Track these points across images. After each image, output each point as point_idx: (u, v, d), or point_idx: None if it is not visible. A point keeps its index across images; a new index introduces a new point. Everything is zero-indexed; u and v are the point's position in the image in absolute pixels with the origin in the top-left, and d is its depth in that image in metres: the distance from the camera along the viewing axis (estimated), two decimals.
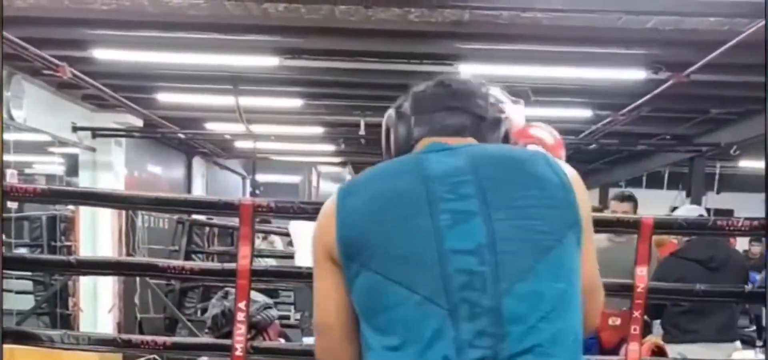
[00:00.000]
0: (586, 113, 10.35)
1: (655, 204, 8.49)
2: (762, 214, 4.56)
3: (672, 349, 5.68)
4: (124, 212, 11.07)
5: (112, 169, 11.36)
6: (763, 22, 5.93)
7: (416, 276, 1.72)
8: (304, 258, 9.75)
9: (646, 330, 5.83)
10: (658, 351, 5.48)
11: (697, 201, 11.11)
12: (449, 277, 1.71)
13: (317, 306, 1.98)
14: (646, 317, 4.96)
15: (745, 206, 9.00)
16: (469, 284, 1.70)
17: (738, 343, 6.17)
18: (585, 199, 1.89)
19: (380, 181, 1.90)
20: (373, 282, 1.77)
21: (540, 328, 1.69)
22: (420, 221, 1.76)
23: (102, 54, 7.85)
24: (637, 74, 7.87)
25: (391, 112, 2.24)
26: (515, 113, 2.81)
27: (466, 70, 8.08)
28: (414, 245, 1.74)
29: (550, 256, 1.75)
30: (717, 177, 12.41)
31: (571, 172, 1.90)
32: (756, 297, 5.78)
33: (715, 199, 12.72)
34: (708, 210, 10.31)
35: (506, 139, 2.10)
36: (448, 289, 1.70)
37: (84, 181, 10.97)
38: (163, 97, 10.45)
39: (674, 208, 9.94)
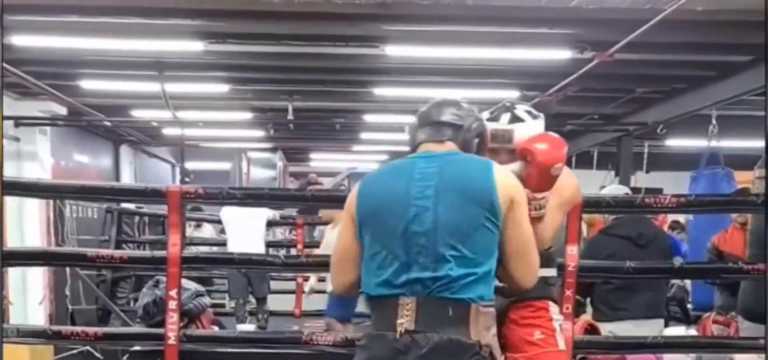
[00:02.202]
0: (514, 94, 10.43)
1: (585, 184, 8.56)
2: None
3: (602, 328, 5.77)
4: (51, 202, 10.88)
5: (38, 158, 11.14)
6: (683, 1, 6.07)
7: (391, 243, 3.02)
8: (236, 244, 9.71)
9: (581, 309, 5.91)
10: (591, 329, 5.57)
11: (625, 180, 11.29)
12: (409, 246, 2.99)
13: (338, 245, 3.26)
14: (578, 296, 5.05)
15: (674, 185, 9.20)
16: (419, 251, 2.99)
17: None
18: (510, 194, 3.03)
19: (384, 179, 3.18)
20: (370, 241, 3.08)
21: (450, 273, 2.96)
22: (399, 211, 3.02)
23: (21, 40, 7.67)
24: (562, 54, 7.97)
25: (411, 125, 3.29)
26: (529, 129, 3.63)
27: (392, 52, 8.09)
28: (393, 226, 3.02)
29: (468, 237, 2.97)
30: (646, 156, 12.61)
31: (502, 178, 3.05)
32: (689, 272, 5.94)
33: (644, 178, 12.91)
34: (638, 189, 10.52)
35: (480, 142, 3.25)
36: (407, 252, 3.00)
37: (8, 171, 10.71)
38: (88, 84, 10.28)
39: (603, 188, 10.09)
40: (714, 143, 7.54)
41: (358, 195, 3.14)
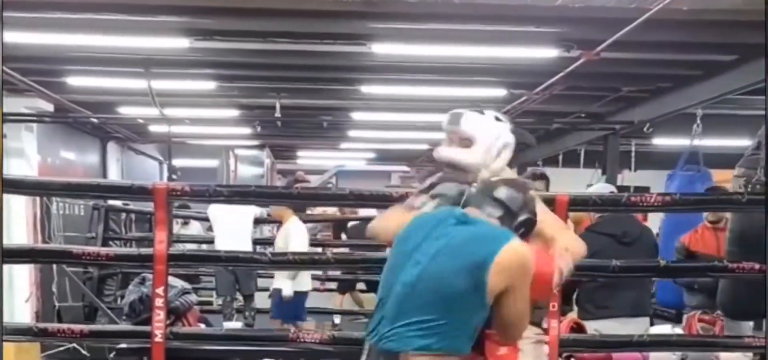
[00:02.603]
0: (501, 92, 10.46)
1: (572, 182, 8.63)
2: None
3: (588, 326, 5.79)
4: (38, 199, 10.85)
5: (24, 155, 11.11)
6: (669, 0, 6.10)
7: (383, 291, 3.19)
8: (223, 242, 9.70)
9: (566, 308, 5.92)
10: (577, 328, 5.59)
11: (612, 179, 11.32)
12: (393, 296, 3.10)
13: (393, 222, 3.45)
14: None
15: (661, 183, 9.20)
16: (395, 298, 3.09)
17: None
18: (504, 276, 3.00)
19: (421, 220, 3.28)
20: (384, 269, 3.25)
21: (405, 325, 3.03)
22: (406, 257, 3.13)
23: (7, 36, 7.60)
24: (548, 52, 7.98)
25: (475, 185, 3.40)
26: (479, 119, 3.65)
27: (379, 50, 8.09)
28: (391, 273, 3.17)
29: (450, 300, 3.00)
30: (633, 155, 12.64)
31: (503, 258, 2.99)
32: (673, 271, 5.94)
33: (631, 177, 12.95)
34: (625, 187, 10.54)
35: (519, 227, 3.17)
36: (390, 297, 3.11)
37: None
38: (74, 81, 10.24)
39: (590, 187, 10.12)
40: (697, 142, 7.57)
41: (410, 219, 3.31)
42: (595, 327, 5.77)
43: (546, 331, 4.22)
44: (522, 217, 3.17)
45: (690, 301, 7.08)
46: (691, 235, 7.11)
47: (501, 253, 2.97)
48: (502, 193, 3.17)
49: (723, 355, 5.53)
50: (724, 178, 7.63)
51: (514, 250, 3.01)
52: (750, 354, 5.52)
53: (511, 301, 3.04)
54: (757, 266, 5.17)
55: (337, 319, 12.20)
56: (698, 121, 7.62)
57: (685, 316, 6.75)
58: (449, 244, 3.03)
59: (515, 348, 3.48)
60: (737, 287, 5.66)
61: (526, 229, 3.19)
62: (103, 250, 6.47)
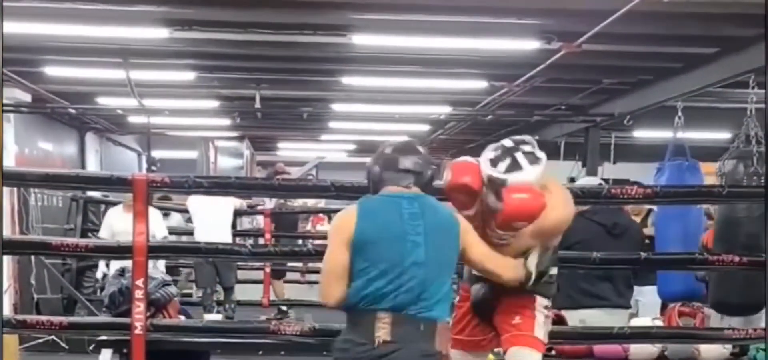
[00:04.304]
0: (481, 84, 10.46)
1: (553, 174, 8.59)
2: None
3: (572, 315, 5.79)
4: (15, 191, 10.76)
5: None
6: None
7: (384, 267, 3.59)
8: (203, 234, 9.66)
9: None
10: (557, 320, 5.58)
11: (592, 171, 11.35)
12: (407, 274, 3.58)
13: (332, 261, 3.68)
14: None
15: (641, 176, 9.22)
16: (410, 278, 3.59)
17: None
18: (468, 235, 3.79)
19: (378, 212, 3.68)
20: (361, 261, 3.61)
21: (431, 298, 3.63)
22: (399, 243, 3.60)
23: None
24: (529, 44, 7.98)
25: (372, 165, 3.82)
26: (523, 176, 3.84)
27: (359, 41, 8.07)
28: (391, 254, 3.59)
29: (448, 266, 3.72)
30: (613, 147, 12.68)
31: (461, 224, 3.78)
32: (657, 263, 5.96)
33: (611, 169, 12.98)
34: (606, 180, 10.56)
35: (432, 183, 3.80)
36: (399, 276, 3.58)
37: None
38: (52, 71, 10.17)
39: (572, 179, 10.12)
40: (679, 135, 7.59)
41: (356, 221, 3.64)
42: (580, 317, 5.78)
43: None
44: (428, 173, 3.77)
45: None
46: (710, 233, 7.11)
47: (459, 221, 3.79)
48: (407, 163, 3.74)
49: (703, 347, 5.54)
50: (706, 171, 7.66)
51: (455, 212, 3.88)
52: (730, 346, 5.53)
53: (471, 245, 3.82)
54: (736, 259, 5.19)
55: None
56: (679, 114, 7.63)
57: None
58: (433, 224, 3.66)
59: (527, 315, 4.07)
60: (728, 281, 5.69)
61: (432, 181, 3.81)
62: (82, 242, 6.43)
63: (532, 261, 4.00)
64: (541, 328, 4.12)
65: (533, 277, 3.99)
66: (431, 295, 3.61)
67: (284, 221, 12.45)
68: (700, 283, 6.43)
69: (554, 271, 4.21)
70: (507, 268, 3.93)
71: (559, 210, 3.96)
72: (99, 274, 9.69)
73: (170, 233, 11.77)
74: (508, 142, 3.98)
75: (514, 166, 3.87)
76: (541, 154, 3.95)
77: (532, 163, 3.89)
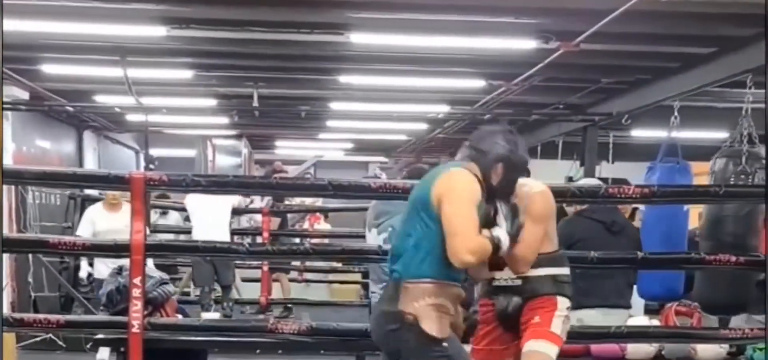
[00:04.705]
0: (479, 83, 10.46)
1: (550, 174, 8.61)
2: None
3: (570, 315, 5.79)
4: (13, 189, 10.74)
5: None
6: None
7: None
8: (201, 232, 9.65)
9: None
10: None
11: (591, 170, 11.33)
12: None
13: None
14: None
15: (639, 175, 9.21)
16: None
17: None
18: (443, 190, 3.90)
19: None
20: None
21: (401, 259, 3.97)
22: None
23: None
24: (527, 44, 7.98)
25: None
26: None
27: (357, 39, 8.06)
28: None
29: (408, 219, 4.03)
30: (611, 146, 12.68)
31: (438, 184, 3.96)
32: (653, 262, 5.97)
33: (609, 169, 12.95)
34: (605, 179, 10.56)
35: (501, 167, 4.03)
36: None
37: None
38: (50, 69, 10.16)
39: (570, 179, 10.11)
40: (675, 134, 7.59)
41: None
42: (578, 317, 5.78)
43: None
44: (492, 151, 4.01)
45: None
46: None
47: (436, 181, 3.98)
48: (473, 141, 4.07)
49: (700, 346, 5.55)
50: (702, 171, 7.65)
51: (444, 175, 4.03)
52: (726, 346, 5.54)
53: (445, 211, 3.90)
54: (733, 259, 5.20)
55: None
56: (676, 114, 7.64)
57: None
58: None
59: (546, 314, 4.25)
60: (715, 281, 5.70)
61: (502, 163, 4.03)
62: (80, 240, 6.44)
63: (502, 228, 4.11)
64: (559, 324, 4.28)
65: (502, 242, 4.04)
66: (400, 255, 3.97)
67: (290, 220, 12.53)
68: (680, 284, 6.44)
69: (567, 271, 4.41)
70: (463, 248, 3.88)
71: (535, 189, 4.35)
72: (83, 274, 9.64)
73: (168, 232, 11.82)
74: None
75: None
76: None
77: None
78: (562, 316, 4.28)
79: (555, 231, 4.45)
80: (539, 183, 4.44)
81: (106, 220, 8.45)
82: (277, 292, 11.82)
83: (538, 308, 4.28)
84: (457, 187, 3.90)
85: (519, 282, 4.31)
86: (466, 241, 3.82)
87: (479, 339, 4.46)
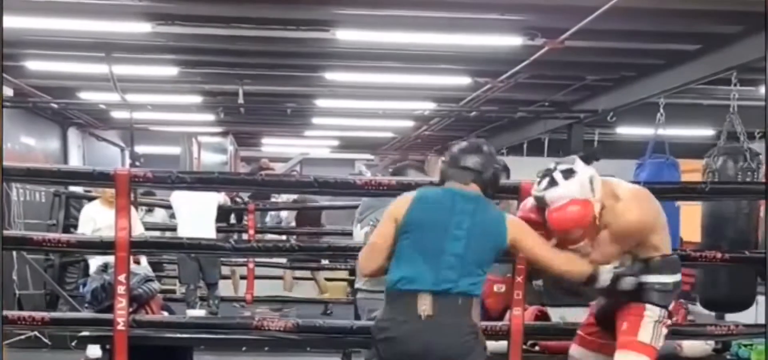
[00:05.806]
0: (465, 80, 10.47)
1: (536, 171, 8.63)
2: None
3: (554, 312, 5.80)
4: None
5: None
6: None
7: (425, 253, 3.95)
8: (186, 229, 9.63)
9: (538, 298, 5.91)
10: (542, 316, 5.59)
11: None
12: (444, 258, 3.93)
13: (376, 233, 4.15)
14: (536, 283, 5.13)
15: (624, 172, 9.23)
16: (448, 264, 3.93)
17: None
18: (518, 231, 4.11)
19: (431, 202, 4.06)
20: (407, 244, 3.97)
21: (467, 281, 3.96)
22: (441, 233, 3.95)
23: None
24: (513, 40, 8.00)
25: (441, 163, 4.21)
26: (560, 190, 4.17)
27: (343, 36, 8.05)
28: (434, 244, 3.94)
29: (485, 263, 4.04)
30: (596, 144, 12.72)
31: (512, 222, 4.13)
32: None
33: (595, 166, 12.99)
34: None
35: (495, 183, 4.18)
36: (439, 260, 3.94)
37: None
38: (34, 65, 10.12)
39: None
40: (661, 131, 7.62)
41: (410, 205, 4.03)
42: (561, 314, 5.79)
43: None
44: (489, 172, 4.12)
45: None
46: None
47: (506, 224, 4.06)
48: (470, 162, 4.10)
49: (686, 343, 5.56)
50: (689, 168, 7.69)
51: (509, 218, 4.14)
52: (712, 342, 5.56)
53: (525, 248, 4.16)
54: (718, 255, 5.21)
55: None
56: (661, 111, 7.67)
57: None
58: (480, 223, 3.99)
59: (633, 321, 4.26)
60: (715, 278, 5.71)
61: (496, 180, 4.18)
62: (64, 237, 6.40)
63: (609, 265, 4.25)
64: (648, 332, 4.27)
65: (601, 277, 4.22)
66: (467, 279, 3.94)
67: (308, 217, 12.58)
68: None
69: (667, 279, 4.35)
70: (563, 260, 4.20)
71: (631, 213, 4.23)
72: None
73: (154, 229, 11.78)
74: (550, 165, 4.31)
75: (551, 183, 4.19)
76: (580, 168, 4.26)
77: (566, 178, 4.19)
78: (652, 322, 4.28)
79: (659, 237, 4.38)
80: (633, 187, 4.51)
81: (106, 217, 8.43)
82: (310, 291, 12.17)
83: (626, 314, 4.33)
84: (525, 228, 4.15)
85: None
86: (560, 262, 4.22)
87: (586, 326, 4.73)
